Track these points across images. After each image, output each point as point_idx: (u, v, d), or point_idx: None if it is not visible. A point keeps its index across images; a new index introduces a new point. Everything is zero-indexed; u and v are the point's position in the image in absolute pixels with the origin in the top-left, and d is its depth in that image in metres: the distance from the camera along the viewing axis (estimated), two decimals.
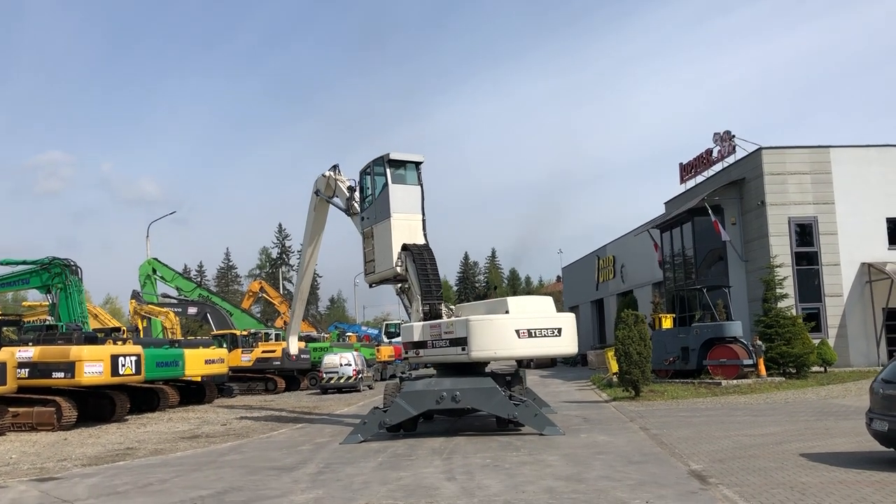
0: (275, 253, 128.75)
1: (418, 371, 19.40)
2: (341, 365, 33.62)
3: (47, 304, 28.60)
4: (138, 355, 23.19)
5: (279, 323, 49.43)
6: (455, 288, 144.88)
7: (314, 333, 45.48)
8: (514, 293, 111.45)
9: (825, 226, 30.24)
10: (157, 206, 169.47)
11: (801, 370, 25.33)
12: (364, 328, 66.95)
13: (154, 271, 43.42)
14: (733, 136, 32.83)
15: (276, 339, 40.36)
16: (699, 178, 36.65)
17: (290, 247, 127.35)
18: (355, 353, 35.48)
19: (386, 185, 19.01)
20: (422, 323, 17.41)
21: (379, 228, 19.32)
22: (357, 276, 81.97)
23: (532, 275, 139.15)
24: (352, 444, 15.40)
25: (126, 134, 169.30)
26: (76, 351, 21.36)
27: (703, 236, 33.66)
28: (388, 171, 19.02)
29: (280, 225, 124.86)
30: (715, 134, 33.95)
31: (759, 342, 24.59)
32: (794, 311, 28.00)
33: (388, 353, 48.31)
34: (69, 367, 21.24)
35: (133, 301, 37.75)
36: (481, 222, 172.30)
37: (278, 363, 36.09)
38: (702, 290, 27.51)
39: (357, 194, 20.39)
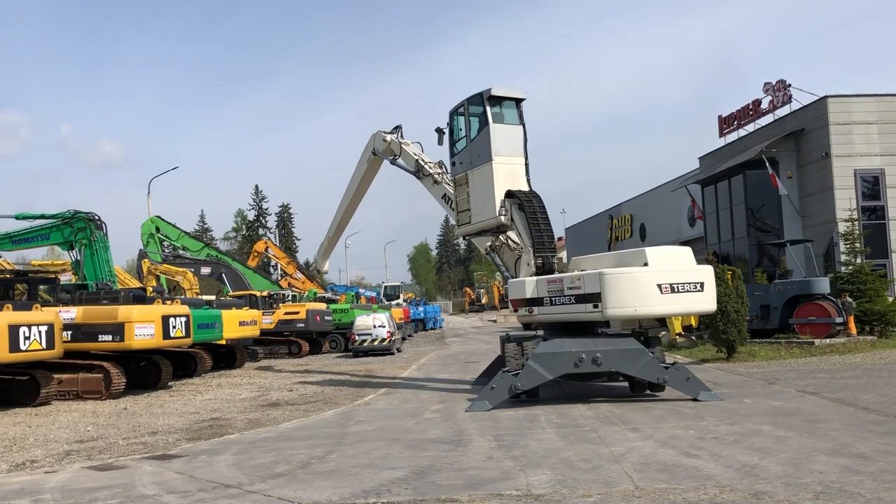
0: (251, 215, 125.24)
1: (516, 333, 17.59)
2: (375, 326, 31.69)
3: (69, 262, 26.22)
4: (187, 316, 21.11)
5: (284, 284, 47.26)
6: (435, 252, 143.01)
7: (329, 295, 43.50)
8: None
9: (893, 178, 28.95)
10: (120, 169, 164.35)
11: (885, 328, 24.13)
12: (362, 290, 64.86)
13: (157, 230, 40.81)
14: (789, 86, 31.26)
15: (294, 301, 38.37)
16: (741, 132, 35.11)
17: (266, 209, 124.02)
18: (388, 314, 33.60)
19: (486, 125, 17.06)
20: (536, 278, 15.60)
21: (476, 174, 17.39)
22: (350, 237, 79.75)
23: None
24: (482, 412, 13.65)
25: (86, 94, 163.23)
26: (125, 311, 19.19)
27: (754, 191, 32.30)
28: (488, 109, 17.05)
29: (257, 186, 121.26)
30: (766, 83, 32.36)
31: (850, 299, 23.26)
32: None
33: (398, 316, 46.47)
34: (118, 330, 19.10)
35: (146, 261, 35.26)
36: None
37: (302, 325, 34.11)
38: (785, 244, 26.08)
39: (446, 138, 18.33)
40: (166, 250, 42.93)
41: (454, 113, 18.13)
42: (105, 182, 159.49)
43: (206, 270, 38.16)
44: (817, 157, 29.63)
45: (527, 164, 17.33)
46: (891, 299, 25.72)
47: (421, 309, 61.91)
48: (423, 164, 19.78)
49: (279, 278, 52.23)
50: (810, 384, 15.12)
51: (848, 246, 25.72)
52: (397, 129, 20.70)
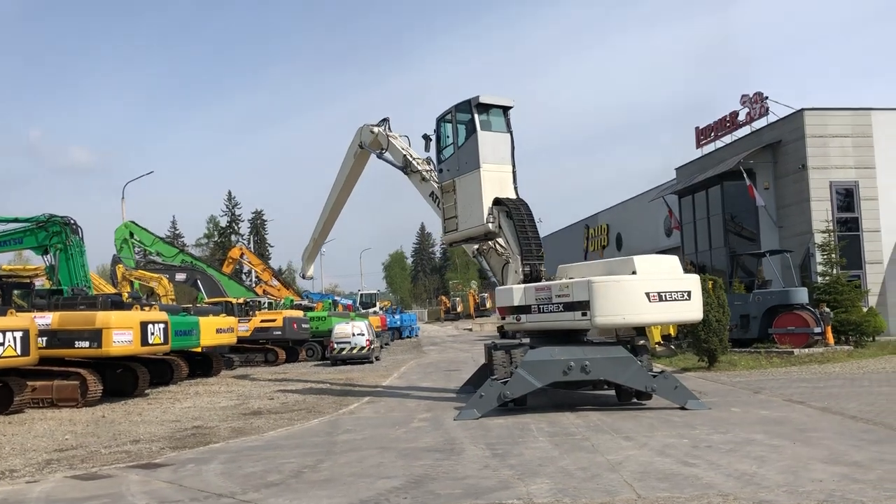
0: (224, 221, 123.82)
1: (502, 341, 17.53)
2: (354, 334, 31.40)
3: (42, 266, 25.67)
4: (165, 323, 20.78)
5: (259, 291, 46.82)
6: (410, 260, 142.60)
7: (306, 302, 43.17)
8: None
9: (866, 191, 29.41)
10: (90, 175, 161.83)
11: (860, 339, 24.44)
12: (338, 298, 64.42)
13: (131, 235, 40.18)
14: (766, 98, 31.65)
15: (270, 308, 38.00)
16: (718, 143, 35.46)
17: (239, 215, 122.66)
18: (367, 322, 33.36)
19: (473, 132, 17.00)
20: (524, 285, 15.54)
21: (464, 181, 17.31)
22: (324, 245, 79.12)
23: None
24: (471, 420, 13.55)
25: (56, 100, 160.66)
26: (103, 317, 18.81)
27: (731, 201, 32.62)
28: (476, 116, 17.00)
29: (230, 192, 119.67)
30: (743, 96, 32.74)
31: (827, 309, 23.54)
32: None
33: (375, 324, 46.21)
34: (95, 336, 18.70)
35: (121, 266, 34.71)
36: None
37: (279, 333, 33.72)
38: (764, 254, 26.34)
39: (433, 145, 18.23)
40: (138, 255, 42.34)
41: (441, 120, 18.05)
42: (75, 188, 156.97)
43: (180, 276, 37.66)
44: (794, 168, 30.01)
45: (514, 172, 17.30)
46: (865, 310, 26.08)
47: (397, 317, 61.57)
48: (411, 159, 19.40)
49: (252, 285, 51.84)
50: (795, 393, 15.23)
51: (825, 257, 26.03)
52: (385, 121, 20.17)
